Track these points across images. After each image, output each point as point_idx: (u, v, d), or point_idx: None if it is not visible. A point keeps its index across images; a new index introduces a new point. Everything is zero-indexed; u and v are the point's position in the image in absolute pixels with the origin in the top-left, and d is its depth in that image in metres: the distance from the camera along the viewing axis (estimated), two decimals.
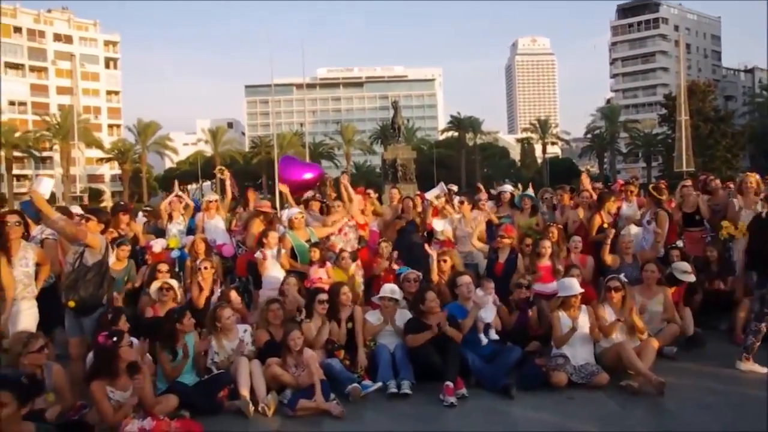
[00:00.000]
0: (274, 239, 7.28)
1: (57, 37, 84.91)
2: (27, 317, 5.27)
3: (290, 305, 6.27)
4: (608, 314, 5.81)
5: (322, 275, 7.07)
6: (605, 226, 7.75)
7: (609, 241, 7.27)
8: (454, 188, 12.65)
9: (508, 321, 6.44)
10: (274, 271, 7.05)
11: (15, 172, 68.55)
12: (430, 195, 8.96)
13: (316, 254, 7.22)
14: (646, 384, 5.14)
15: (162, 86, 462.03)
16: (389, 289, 6.30)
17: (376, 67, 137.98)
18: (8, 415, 3.41)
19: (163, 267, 6.77)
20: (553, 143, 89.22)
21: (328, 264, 7.30)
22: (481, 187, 10.76)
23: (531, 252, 7.38)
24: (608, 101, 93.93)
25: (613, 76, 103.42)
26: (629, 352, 5.37)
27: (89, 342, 5.33)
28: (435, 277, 6.90)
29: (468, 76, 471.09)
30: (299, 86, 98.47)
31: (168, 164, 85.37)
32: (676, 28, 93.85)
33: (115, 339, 4.52)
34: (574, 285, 5.84)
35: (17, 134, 65.34)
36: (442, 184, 10.41)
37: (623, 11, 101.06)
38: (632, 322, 5.73)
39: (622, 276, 6.11)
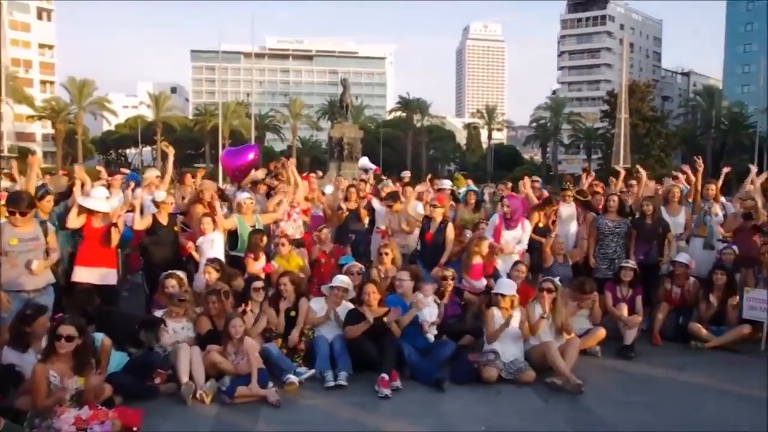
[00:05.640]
0: (210, 225, 7.25)
1: None
2: None
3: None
4: (537, 313, 6.13)
5: (270, 264, 7.17)
6: (540, 225, 8.07)
7: (546, 242, 7.66)
8: (407, 175, 12.89)
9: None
10: (209, 256, 7.00)
11: None
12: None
13: (263, 240, 7.23)
14: (567, 383, 5.47)
15: (102, 44, 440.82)
16: (341, 279, 6.44)
17: (327, 41, 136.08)
18: None
19: None
20: (498, 130, 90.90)
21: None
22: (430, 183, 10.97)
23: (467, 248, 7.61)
24: (554, 92, 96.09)
25: (561, 68, 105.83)
26: (553, 351, 5.69)
27: None
28: (375, 272, 7.05)
29: (419, 58, 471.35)
30: (247, 55, 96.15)
31: (106, 126, 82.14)
32: (622, 26, 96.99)
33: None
34: (511, 286, 6.13)
35: None
36: (366, 159, 11.39)
37: (573, 5, 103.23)
38: (561, 324, 6.07)
39: (557, 279, 6.44)
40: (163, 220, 7.29)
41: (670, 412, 5.15)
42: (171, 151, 8.69)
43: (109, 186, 8.28)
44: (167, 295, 6.18)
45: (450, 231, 7.72)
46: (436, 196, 8.28)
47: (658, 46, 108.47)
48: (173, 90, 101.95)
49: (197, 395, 5.10)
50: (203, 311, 6.05)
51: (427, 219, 7.89)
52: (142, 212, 7.10)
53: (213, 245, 7.05)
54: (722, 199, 8.58)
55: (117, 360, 5.38)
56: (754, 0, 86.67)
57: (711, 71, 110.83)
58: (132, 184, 8.75)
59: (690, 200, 8.35)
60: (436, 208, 7.84)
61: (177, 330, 5.87)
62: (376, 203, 8.97)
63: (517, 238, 7.71)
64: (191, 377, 5.24)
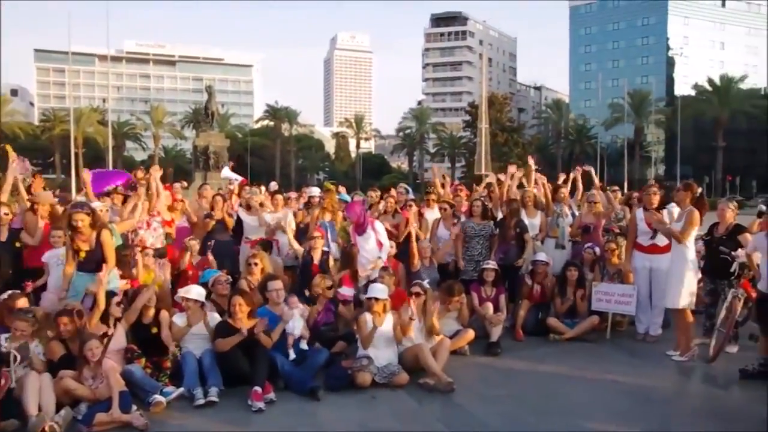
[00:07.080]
0: (60, 240, 6.65)
1: None
2: None
3: None
4: (408, 315, 6.24)
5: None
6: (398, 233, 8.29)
7: (414, 249, 7.87)
8: (274, 186, 12.76)
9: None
10: (58, 272, 6.40)
11: None
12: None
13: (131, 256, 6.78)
14: (439, 382, 5.64)
15: None
16: (186, 289, 6.14)
17: (191, 46, 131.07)
18: None
19: None
20: (366, 139, 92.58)
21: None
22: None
23: (342, 255, 7.65)
24: (419, 103, 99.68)
25: (425, 80, 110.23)
26: (425, 352, 5.83)
27: None
28: (243, 282, 6.86)
29: (286, 66, 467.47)
30: (102, 58, 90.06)
31: None
32: (481, 42, 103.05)
33: None
34: (383, 290, 6.20)
35: None
36: (227, 169, 11.27)
37: (436, 20, 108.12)
38: (431, 325, 6.24)
39: (425, 283, 6.61)
40: (1, 235, 6.57)
41: (532, 401, 5.47)
42: (13, 156, 7.85)
43: None
44: (16, 313, 5.49)
45: (332, 262, 7.71)
46: (316, 227, 8.16)
47: (513, 61, 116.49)
48: (14, 92, 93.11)
49: (47, 428, 4.60)
50: (54, 335, 5.49)
51: (308, 252, 7.78)
52: None
53: (63, 260, 6.44)
54: (570, 201, 9.31)
55: None
56: (592, 26, 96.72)
57: (559, 86, 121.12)
58: None
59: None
60: (317, 239, 7.77)
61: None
62: (243, 213, 8.73)
63: (369, 241, 7.60)
64: (40, 408, 4.73)
